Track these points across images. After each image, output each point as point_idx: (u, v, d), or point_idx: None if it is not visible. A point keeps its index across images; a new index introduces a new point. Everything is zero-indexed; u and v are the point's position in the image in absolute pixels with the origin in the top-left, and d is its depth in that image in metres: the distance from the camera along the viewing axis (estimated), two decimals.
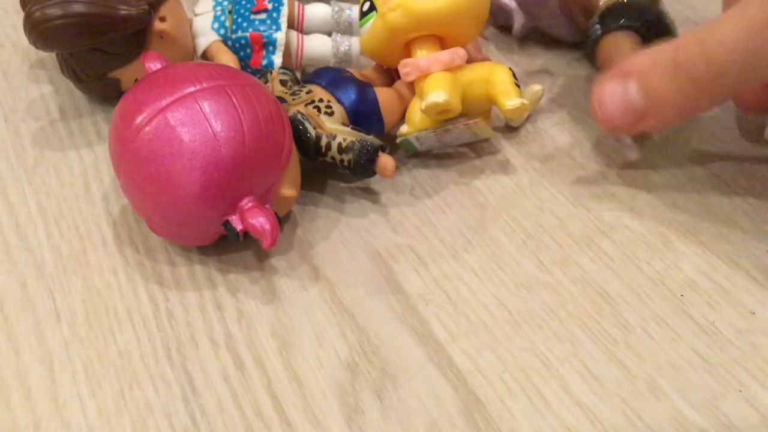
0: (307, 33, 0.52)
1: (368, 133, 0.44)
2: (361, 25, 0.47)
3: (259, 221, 0.39)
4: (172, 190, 0.38)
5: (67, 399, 0.37)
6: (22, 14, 0.47)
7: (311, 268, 0.42)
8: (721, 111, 0.49)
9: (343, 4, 0.53)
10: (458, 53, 0.45)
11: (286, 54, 0.50)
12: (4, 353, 0.39)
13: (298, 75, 0.50)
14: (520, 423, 0.36)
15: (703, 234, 0.43)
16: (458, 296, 0.41)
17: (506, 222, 0.44)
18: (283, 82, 0.46)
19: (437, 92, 0.43)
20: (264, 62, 0.50)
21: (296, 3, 0.52)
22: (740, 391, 0.36)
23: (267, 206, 0.40)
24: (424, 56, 0.45)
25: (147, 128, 0.38)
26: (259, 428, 0.36)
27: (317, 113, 0.44)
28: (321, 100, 0.45)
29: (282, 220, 0.41)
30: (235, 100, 0.39)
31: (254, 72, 0.50)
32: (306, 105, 0.44)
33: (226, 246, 0.43)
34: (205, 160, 0.38)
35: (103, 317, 0.40)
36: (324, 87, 0.45)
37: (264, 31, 0.49)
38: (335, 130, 0.43)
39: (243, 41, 0.50)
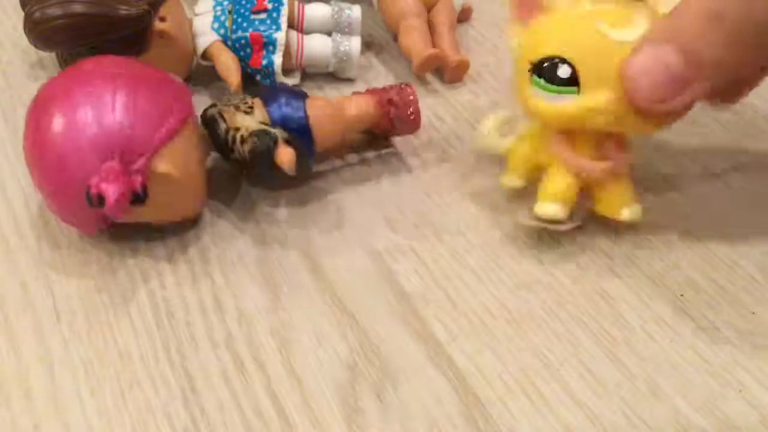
0: (307, 33, 0.52)
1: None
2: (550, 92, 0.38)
3: (104, 186, 0.37)
4: (40, 151, 0.40)
5: (67, 399, 0.37)
6: (22, 14, 0.47)
7: (311, 268, 0.42)
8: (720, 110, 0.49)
9: (343, 4, 0.53)
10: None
11: (286, 54, 0.50)
12: (4, 353, 0.39)
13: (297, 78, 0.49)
14: (520, 423, 0.36)
15: (703, 234, 0.43)
16: (458, 296, 0.41)
17: (506, 222, 0.44)
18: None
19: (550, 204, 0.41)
20: (264, 62, 0.50)
21: (296, 3, 0.52)
22: (740, 391, 0.36)
23: (136, 177, 0.39)
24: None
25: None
26: (259, 428, 0.36)
27: (234, 111, 0.43)
28: (248, 106, 0.43)
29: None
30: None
31: (254, 72, 0.50)
32: (228, 106, 0.43)
33: (227, 246, 0.43)
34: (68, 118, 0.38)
35: (103, 317, 0.40)
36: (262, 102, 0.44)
37: (264, 31, 0.49)
38: (242, 124, 0.42)
39: (243, 41, 0.49)
